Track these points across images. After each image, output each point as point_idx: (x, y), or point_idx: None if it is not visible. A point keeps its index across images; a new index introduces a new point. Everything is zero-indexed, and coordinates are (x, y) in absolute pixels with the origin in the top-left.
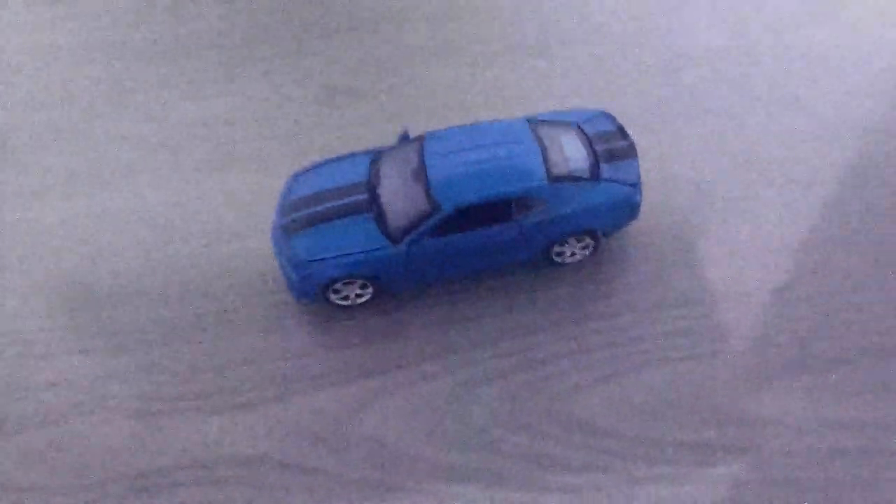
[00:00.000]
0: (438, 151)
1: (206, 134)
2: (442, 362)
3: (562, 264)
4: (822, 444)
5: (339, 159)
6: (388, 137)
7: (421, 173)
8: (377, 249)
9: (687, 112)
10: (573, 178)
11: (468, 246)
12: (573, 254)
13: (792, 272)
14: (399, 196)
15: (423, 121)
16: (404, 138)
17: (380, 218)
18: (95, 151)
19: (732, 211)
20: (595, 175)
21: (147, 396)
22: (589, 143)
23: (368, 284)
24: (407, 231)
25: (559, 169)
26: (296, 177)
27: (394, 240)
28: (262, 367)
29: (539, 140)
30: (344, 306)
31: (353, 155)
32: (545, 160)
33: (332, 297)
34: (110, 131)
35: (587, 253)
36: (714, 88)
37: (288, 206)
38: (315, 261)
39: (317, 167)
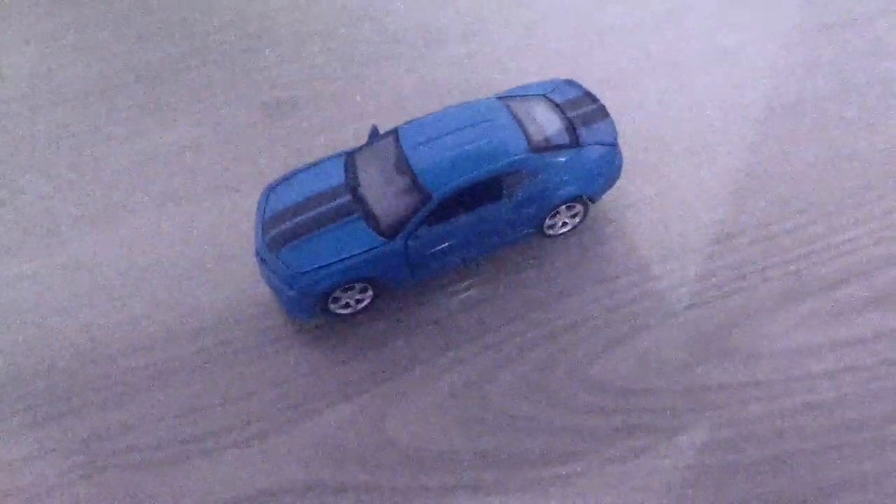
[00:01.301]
0: (417, 141)
1: (158, 168)
2: (450, 354)
3: (554, 236)
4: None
5: (311, 166)
6: (341, 140)
7: (403, 165)
8: (372, 249)
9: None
10: (555, 147)
11: (464, 231)
12: (564, 223)
13: (766, 208)
14: (385, 192)
15: (369, 120)
16: (374, 135)
17: (369, 217)
18: (42, 202)
19: (697, 158)
20: (575, 140)
21: (154, 445)
22: (561, 110)
23: (368, 287)
24: (400, 226)
25: (540, 139)
26: (270, 191)
27: (388, 237)
28: (267, 395)
29: (514, 114)
30: (344, 315)
31: (324, 160)
32: (524, 133)
33: (333, 306)
34: (53, 179)
35: (577, 221)
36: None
37: (268, 222)
38: (309, 272)
39: (289, 178)
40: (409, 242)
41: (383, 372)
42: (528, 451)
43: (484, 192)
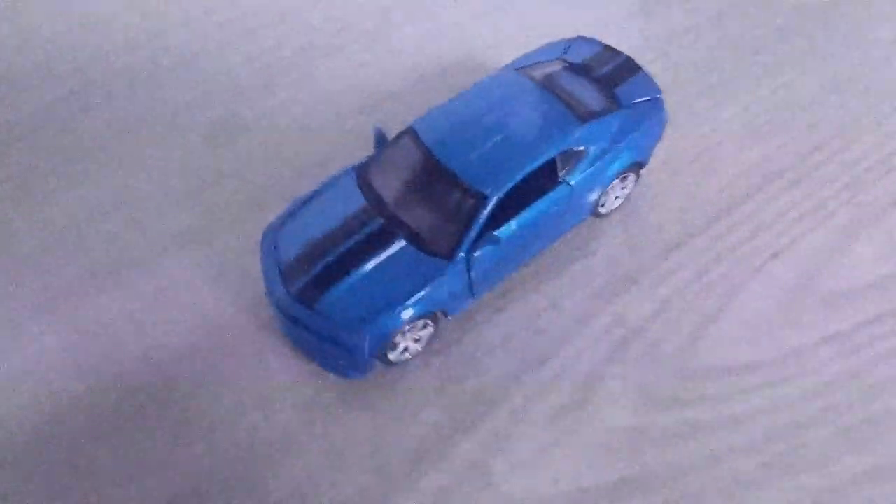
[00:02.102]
0: (443, 136)
1: (87, 235)
2: (529, 378)
3: (605, 215)
4: None
5: (315, 194)
6: (314, 154)
7: (437, 168)
8: (433, 274)
9: None
10: (601, 113)
11: (525, 229)
12: (616, 198)
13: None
14: (424, 205)
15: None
16: (381, 140)
17: (415, 239)
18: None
19: (718, 97)
20: (615, 102)
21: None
22: (587, 72)
23: (429, 322)
24: (457, 240)
25: (582, 108)
26: (275, 232)
27: (446, 256)
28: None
29: (544, 86)
30: (402, 363)
31: (329, 182)
32: (566, 104)
33: (392, 355)
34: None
35: (626, 192)
36: None
37: (288, 270)
38: (366, 318)
39: (294, 213)
40: (470, 258)
41: (465, 420)
42: (668, 464)
43: (539, 181)
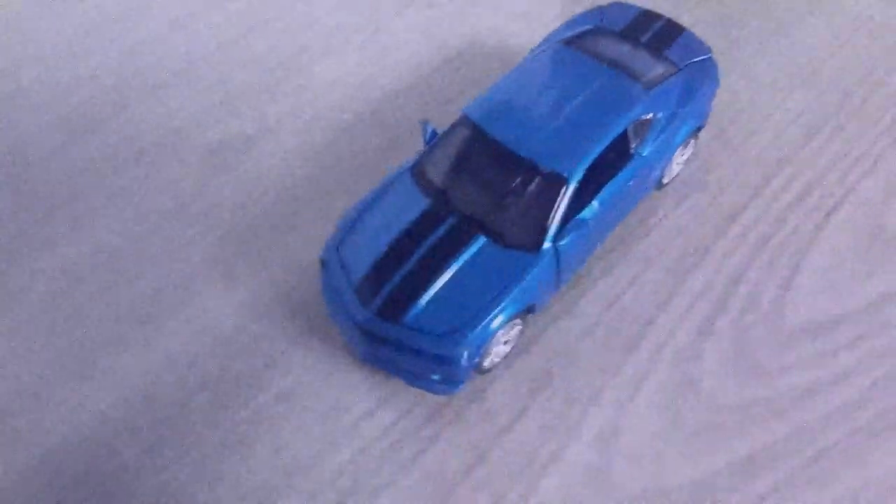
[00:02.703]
0: (505, 121)
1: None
2: (628, 365)
3: (666, 185)
4: None
5: (370, 203)
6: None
7: (507, 155)
8: (520, 270)
9: None
10: (661, 78)
11: (605, 208)
12: (677, 165)
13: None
14: (498, 197)
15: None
16: (433, 136)
17: (495, 234)
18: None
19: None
20: (672, 65)
21: None
22: (632, 37)
23: (520, 321)
24: (541, 230)
25: (642, 75)
26: (336, 249)
27: (532, 248)
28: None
29: (597, 56)
30: (490, 370)
31: (382, 188)
32: (627, 72)
33: (486, 361)
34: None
35: (685, 159)
36: None
37: (362, 287)
38: (464, 327)
39: (352, 225)
40: (558, 245)
41: (565, 419)
42: (787, 434)
43: (613, 155)
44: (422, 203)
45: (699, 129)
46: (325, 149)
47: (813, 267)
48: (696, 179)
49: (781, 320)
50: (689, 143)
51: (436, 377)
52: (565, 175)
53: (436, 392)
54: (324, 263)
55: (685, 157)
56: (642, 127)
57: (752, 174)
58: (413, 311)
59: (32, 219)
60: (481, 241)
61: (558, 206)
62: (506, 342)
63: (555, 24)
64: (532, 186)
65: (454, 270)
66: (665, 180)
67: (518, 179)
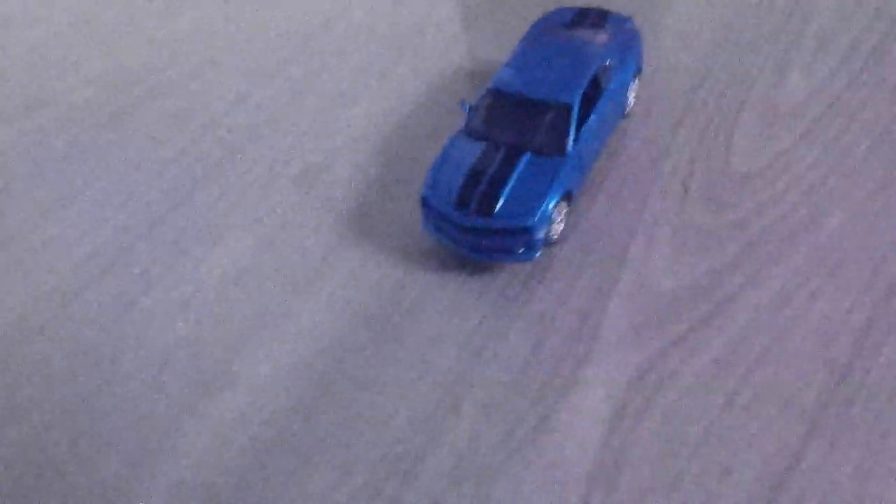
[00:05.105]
0: (522, 81)
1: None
2: (641, 221)
3: (629, 116)
4: None
5: (443, 157)
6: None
7: (530, 101)
8: (559, 166)
9: None
10: (609, 40)
11: (598, 122)
12: (632, 97)
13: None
14: (530, 129)
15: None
16: (470, 107)
17: (537, 150)
18: None
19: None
20: (611, 32)
21: None
22: (582, 23)
23: (565, 203)
24: (565, 139)
25: (595, 40)
26: (431, 191)
27: (561, 152)
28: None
29: (567, 35)
30: (553, 242)
31: (447, 147)
32: (587, 41)
33: (551, 233)
34: None
35: (634, 94)
36: None
37: (458, 202)
38: (537, 206)
39: (436, 174)
40: (577, 147)
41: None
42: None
43: (593, 91)
44: (478, 147)
45: (639, 70)
46: (402, 130)
47: (741, 127)
48: (643, 109)
49: (722, 182)
50: (635, 81)
51: (521, 250)
52: (570, 102)
53: (521, 261)
54: (424, 200)
55: (634, 94)
56: (605, 71)
57: (679, 96)
58: (499, 206)
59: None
60: (527, 156)
61: (571, 122)
62: (559, 221)
63: None
64: (550, 115)
65: (515, 178)
66: (626, 111)
67: (542, 113)
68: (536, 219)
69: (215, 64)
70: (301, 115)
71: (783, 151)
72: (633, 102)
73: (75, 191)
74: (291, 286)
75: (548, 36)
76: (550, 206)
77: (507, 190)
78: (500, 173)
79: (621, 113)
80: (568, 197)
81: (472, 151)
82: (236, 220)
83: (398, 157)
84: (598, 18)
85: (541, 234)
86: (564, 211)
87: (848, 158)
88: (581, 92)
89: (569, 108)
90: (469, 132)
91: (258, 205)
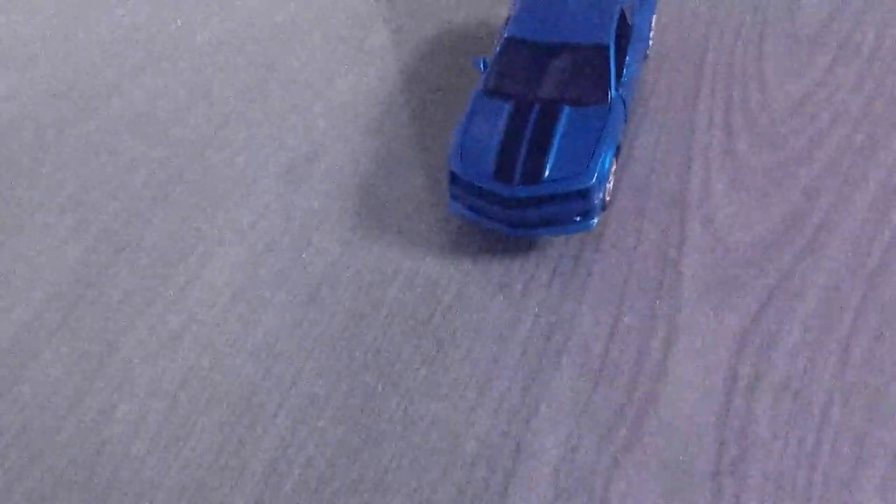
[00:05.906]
0: (544, 27)
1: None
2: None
3: (649, 56)
4: None
5: (466, 125)
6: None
7: (558, 46)
8: (604, 117)
9: None
10: None
11: (631, 63)
12: (651, 40)
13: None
14: (565, 77)
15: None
16: (486, 63)
17: (575, 101)
18: None
19: None
20: None
21: None
22: None
23: (614, 159)
24: (606, 85)
25: None
26: (463, 165)
27: (604, 101)
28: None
29: None
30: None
31: (469, 114)
32: None
33: (607, 196)
34: None
35: (653, 34)
36: None
37: (497, 173)
38: (591, 165)
39: (462, 146)
40: (619, 92)
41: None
42: None
43: (622, 29)
44: (505, 107)
45: (653, 13)
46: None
47: (767, 78)
48: (658, 51)
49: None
50: (652, 22)
51: (577, 217)
52: (606, 42)
53: (578, 231)
54: (453, 176)
55: (652, 34)
56: (629, 10)
57: (693, 33)
58: (547, 169)
59: None
60: (566, 109)
61: (610, 65)
62: (610, 180)
63: None
64: (584, 60)
65: (559, 136)
66: (647, 52)
67: (574, 59)
68: (595, 178)
69: (159, 61)
70: (272, 101)
71: (819, 81)
72: (650, 44)
73: (19, 220)
74: (301, 298)
75: None
76: (607, 162)
77: (553, 151)
78: (540, 134)
79: (644, 53)
80: (617, 151)
81: (499, 113)
82: (220, 232)
83: (395, 134)
84: None
85: (598, 197)
86: (614, 166)
87: (890, 75)
88: (613, 29)
89: (605, 50)
90: (490, 92)
91: (243, 211)
